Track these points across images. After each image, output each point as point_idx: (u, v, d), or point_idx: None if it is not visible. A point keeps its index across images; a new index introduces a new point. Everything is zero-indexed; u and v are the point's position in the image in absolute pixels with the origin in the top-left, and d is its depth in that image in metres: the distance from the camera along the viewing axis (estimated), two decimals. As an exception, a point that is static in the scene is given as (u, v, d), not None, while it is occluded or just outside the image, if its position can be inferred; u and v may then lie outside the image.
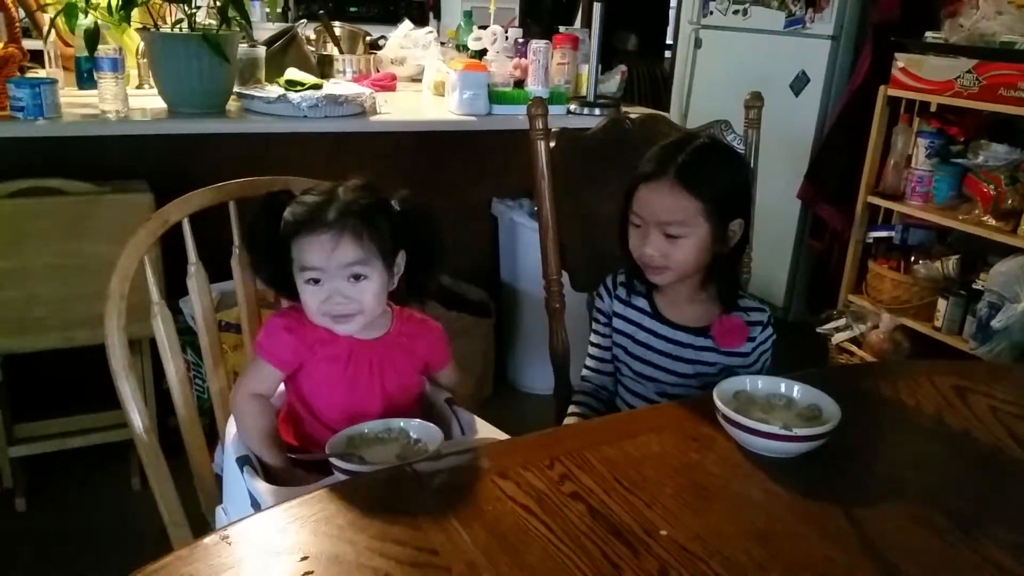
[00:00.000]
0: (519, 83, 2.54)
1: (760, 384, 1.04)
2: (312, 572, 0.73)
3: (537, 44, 2.47)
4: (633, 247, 1.21)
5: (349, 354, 1.09)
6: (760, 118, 1.59)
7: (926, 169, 2.64)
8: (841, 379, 1.31)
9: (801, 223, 3.31)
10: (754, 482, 0.91)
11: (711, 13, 3.67)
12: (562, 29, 2.83)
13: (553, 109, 2.20)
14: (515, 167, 2.48)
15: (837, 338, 2.75)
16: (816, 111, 3.21)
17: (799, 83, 3.26)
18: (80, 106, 2.04)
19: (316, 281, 1.04)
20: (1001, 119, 2.50)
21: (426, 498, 0.85)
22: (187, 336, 1.33)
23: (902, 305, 2.69)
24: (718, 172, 1.18)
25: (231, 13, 1.96)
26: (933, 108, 2.73)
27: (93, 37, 1.94)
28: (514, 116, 2.34)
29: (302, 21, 2.97)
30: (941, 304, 2.58)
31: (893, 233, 2.81)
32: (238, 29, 2.05)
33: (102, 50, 1.94)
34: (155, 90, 2.14)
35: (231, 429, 1.11)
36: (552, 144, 1.45)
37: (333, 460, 0.94)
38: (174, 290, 1.33)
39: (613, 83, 2.75)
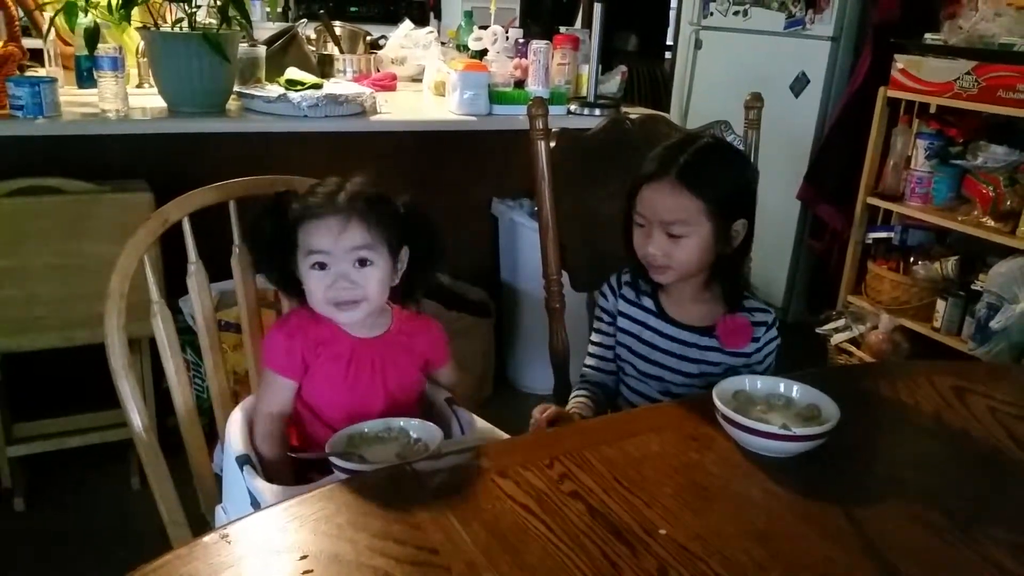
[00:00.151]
0: (519, 83, 2.54)
1: (759, 384, 1.05)
2: (312, 571, 0.73)
3: (537, 44, 2.47)
4: (637, 246, 1.22)
5: (351, 353, 1.10)
6: (760, 119, 1.60)
7: (925, 170, 2.64)
8: (840, 379, 1.31)
9: (801, 223, 3.31)
10: (754, 482, 0.91)
11: (711, 14, 3.67)
12: (562, 29, 2.84)
13: (553, 109, 2.20)
14: (515, 167, 2.48)
15: (836, 338, 2.75)
16: (816, 112, 3.21)
17: (799, 84, 3.26)
18: (80, 105, 2.04)
19: (322, 266, 1.04)
20: (1000, 121, 2.51)
21: (426, 497, 0.85)
22: (187, 335, 1.33)
23: (901, 306, 2.69)
24: (720, 172, 1.18)
25: (231, 12, 1.96)
26: (932, 109, 2.73)
27: (93, 36, 1.94)
28: (514, 116, 2.34)
29: (302, 21, 2.98)
30: (940, 305, 2.58)
31: (892, 234, 2.81)
32: (238, 28, 2.05)
33: (102, 49, 1.93)
34: (155, 89, 2.14)
35: (231, 428, 1.11)
36: (552, 144, 1.45)
37: (333, 459, 0.94)
38: (174, 289, 1.33)
39: (613, 83, 2.75)
